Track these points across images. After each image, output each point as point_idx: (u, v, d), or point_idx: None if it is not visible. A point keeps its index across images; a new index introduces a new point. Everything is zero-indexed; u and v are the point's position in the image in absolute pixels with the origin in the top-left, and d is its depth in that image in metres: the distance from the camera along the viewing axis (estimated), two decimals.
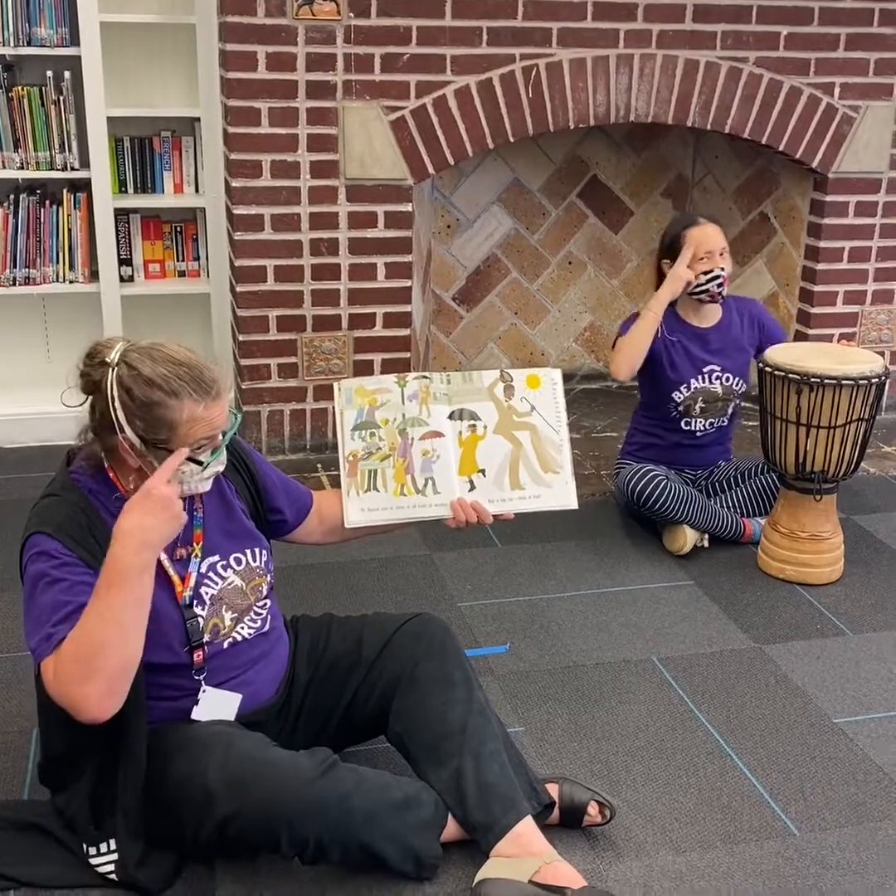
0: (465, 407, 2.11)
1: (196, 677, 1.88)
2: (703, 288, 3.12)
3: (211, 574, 1.90)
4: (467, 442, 2.09)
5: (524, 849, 1.83)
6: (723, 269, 3.09)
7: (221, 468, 1.86)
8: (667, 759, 2.25)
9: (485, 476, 2.08)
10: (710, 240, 3.10)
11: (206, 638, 1.89)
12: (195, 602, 1.87)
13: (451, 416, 2.11)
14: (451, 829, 1.89)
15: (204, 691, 1.89)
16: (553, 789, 2.00)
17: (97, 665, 1.64)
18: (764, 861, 1.96)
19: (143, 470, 1.78)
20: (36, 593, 1.73)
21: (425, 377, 2.13)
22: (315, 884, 1.86)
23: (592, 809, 1.99)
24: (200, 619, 1.87)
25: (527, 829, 1.86)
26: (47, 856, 1.88)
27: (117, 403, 1.73)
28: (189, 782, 1.76)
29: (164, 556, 1.84)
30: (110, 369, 1.74)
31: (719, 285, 3.11)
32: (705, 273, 3.10)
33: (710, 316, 3.24)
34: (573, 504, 2.12)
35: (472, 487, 2.07)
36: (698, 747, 2.29)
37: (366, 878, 1.85)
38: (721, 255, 3.10)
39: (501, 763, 1.91)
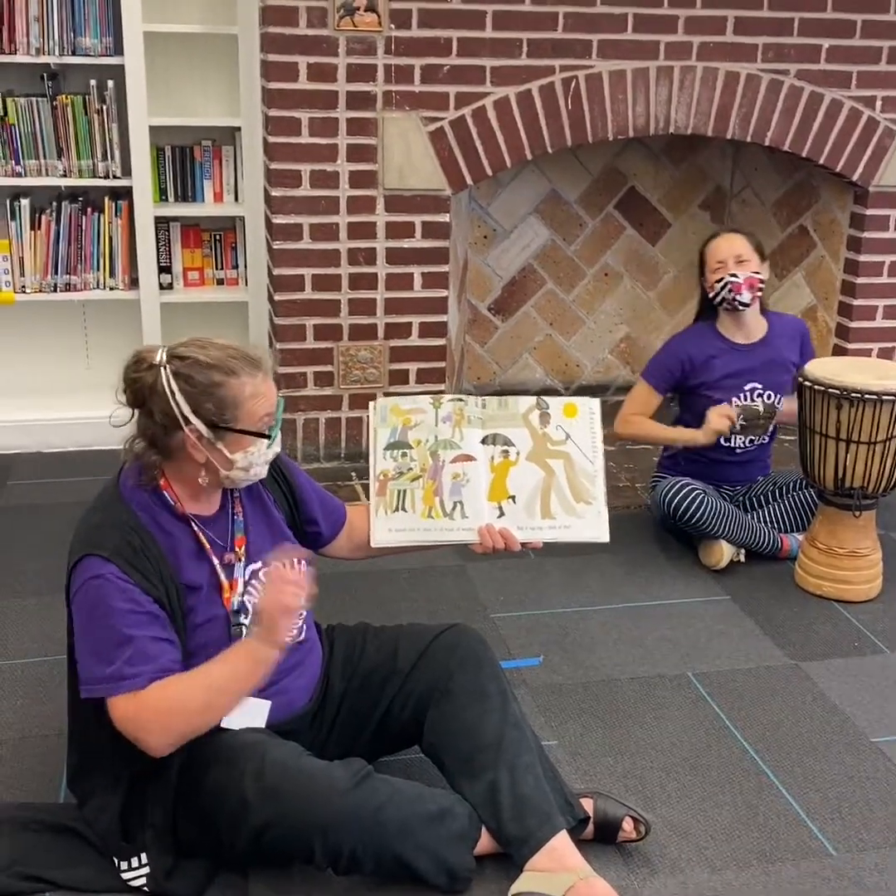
0: (498, 432, 2.08)
1: None
2: (720, 297, 3.12)
3: (253, 581, 1.91)
4: (499, 467, 2.07)
5: (559, 863, 1.82)
6: (734, 276, 3.07)
7: (278, 449, 1.91)
8: (702, 775, 2.23)
9: (515, 503, 2.05)
10: (720, 250, 3.10)
11: None
12: (241, 610, 1.88)
13: (483, 441, 2.08)
14: (485, 842, 1.89)
15: None
16: (587, 804, 1.99)
17: (186, 724, 1.74)
18: (801, 881, 1.94)
19: (211, 463, 1.81)
20: (95, 621, 1.74)
21: (460, 400, 2.12)
22: (348, 894, 1.86)
23: (627, 825, 1.98)
24: (244, 628, 1.87)
25: (561, 843, 1.85)
26: (81, 859, 1.89)
27: (179, 396, 1.76)
28: (224, 792, 1.77)
29: (216, 562, 1.86)
30: (162, 368, 1.78)
31: (730, 291, 3.09)
32: (718, 282, 3.10)
33: (754, 332, 3.21)
34: (605, 537, 2.08)
35: (502, 514, 2.04)
36: (734, 764, 2.27)
37: (399, 889, 1.85)
38: (740, 262, 3.07)
39: (536, 776, 1.90)
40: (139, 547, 1.77)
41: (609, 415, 2.18)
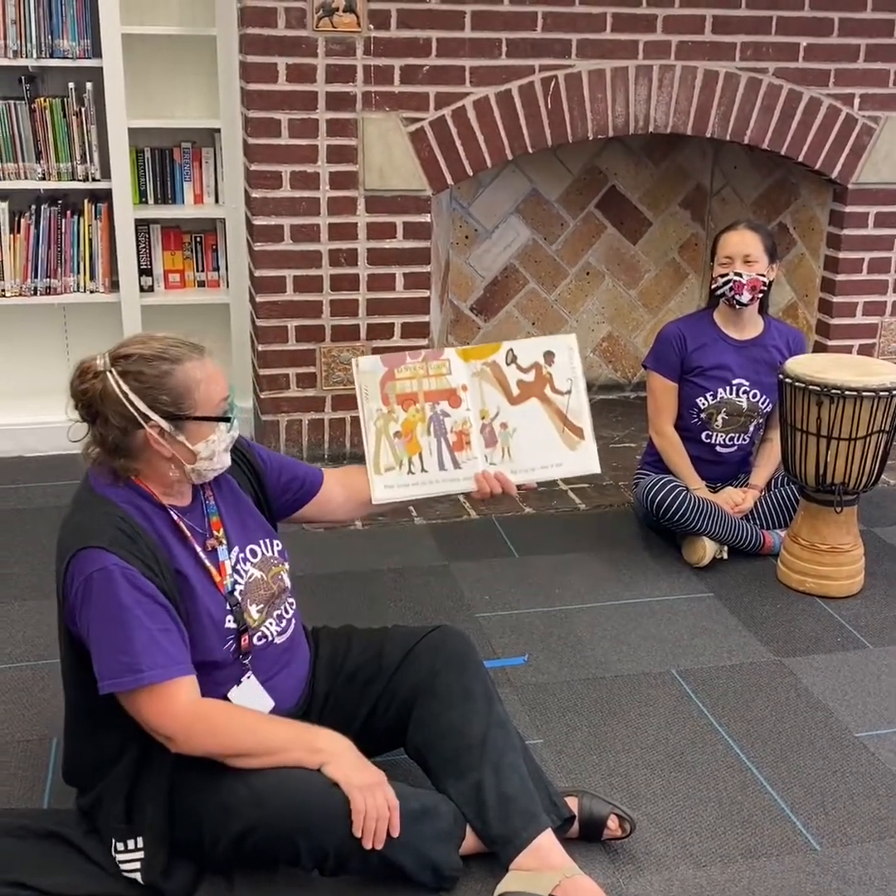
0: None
1: (243, 663, 1.88)
2: (720, 291, 3.15)
3: (237, 565, 1.92)
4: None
5: (544, 862, 1.83)
6: (739, 275, 3.09)
7: (237, 433, 1.91)
8: (687, 772, 2.24)
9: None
10: (730, 245, 3.13)
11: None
12: (234, 591, 1.89)
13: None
14: (471, 842, 1.89)
15: (248, 677, 1.89)
16: (572, 802, 1.99)
17: (223, 746, 1.77)
18: (785, 876, 1.95)
19: (176, 457, 1.81)
20: (108, 614, 1.72)
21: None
22: (334, 895, 1.85)
23: (612, 823, 1.98)
24: (240, 608, 1.88)
25: (547, 842, 1.85)
26: (68, 864, 1.88)
27: (132, 396, 1.76)
28: (209, 794, 1.77)
29: (199, 550, 1.86)
30: (107, 373, 1.77)
31: (731, 290, 3.11)
32: (722, 276, 3.12)
33: (748, 329, 3.23)
34: (596, 468, 2.18)
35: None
36: (718, 761, 2.27)
37: (385, 890, 1.85)
38: (747, 262, 3.09)
39: (521, 775, 1.90)
40: (132, 535, 1.77)
41: (591, 414, 2.19)
